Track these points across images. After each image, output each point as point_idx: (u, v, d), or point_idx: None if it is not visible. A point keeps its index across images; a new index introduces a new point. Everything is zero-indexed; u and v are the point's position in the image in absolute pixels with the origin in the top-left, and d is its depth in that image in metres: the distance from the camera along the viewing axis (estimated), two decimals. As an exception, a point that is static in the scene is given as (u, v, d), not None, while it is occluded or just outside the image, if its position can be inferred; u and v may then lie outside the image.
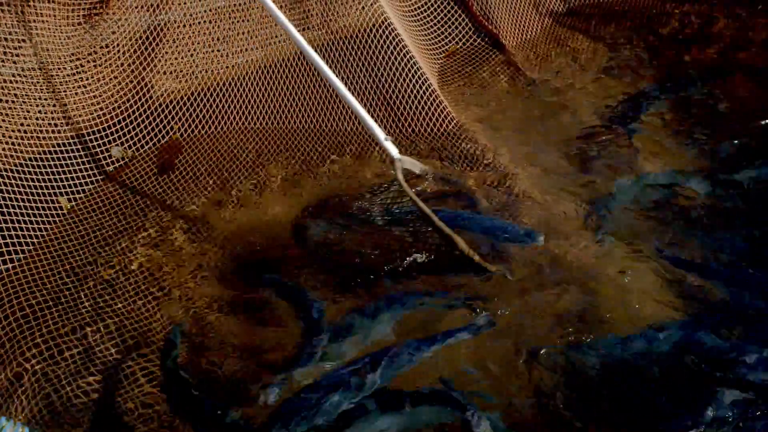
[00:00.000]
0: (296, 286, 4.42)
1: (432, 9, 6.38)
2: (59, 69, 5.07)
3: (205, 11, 5.51)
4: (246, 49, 5.62)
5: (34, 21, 4.98)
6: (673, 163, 5.05)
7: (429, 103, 5.49)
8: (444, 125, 5.45)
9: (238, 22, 5.60)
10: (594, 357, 3.87)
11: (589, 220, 4.64)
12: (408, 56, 5.55)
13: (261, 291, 4.38)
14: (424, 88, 5.51)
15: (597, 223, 4.61)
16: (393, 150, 4.80)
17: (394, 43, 5.54)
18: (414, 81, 5.51)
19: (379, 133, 4.80)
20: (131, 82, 5.30)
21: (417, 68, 5.54)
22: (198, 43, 5.49)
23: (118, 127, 5.24)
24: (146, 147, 5.30)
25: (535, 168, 5.13)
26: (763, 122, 5.32)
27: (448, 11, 6.45)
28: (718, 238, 4.43)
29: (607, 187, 4.89)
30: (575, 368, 3.84)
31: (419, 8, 6.31)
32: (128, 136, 5.25)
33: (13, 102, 4.84)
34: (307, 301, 4.32)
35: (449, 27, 6.40)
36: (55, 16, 5.06)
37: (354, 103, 4.77)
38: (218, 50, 5.55)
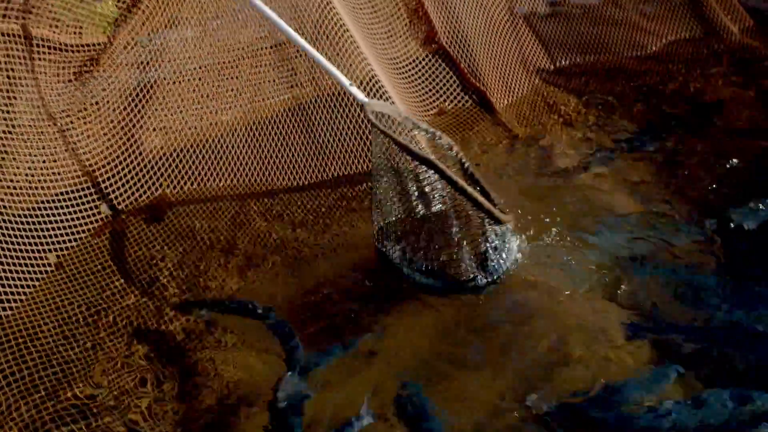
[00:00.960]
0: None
1: (420, 66, 6.46)
2: (50, 125, 5.12)
3: (194, 68, 5.58)
4: (233, 106, 5.68)
5: (26, 78, 5.05)
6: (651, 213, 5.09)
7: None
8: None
9: (226, 79, 5.67)
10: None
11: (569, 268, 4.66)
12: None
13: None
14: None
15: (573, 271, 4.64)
16: (359, 95, 4.80)
17: (381, 100, 5.58)
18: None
19: (343, 80, 4.82)
20: (121, 138, 5.34)
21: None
22: (187, 100, 5.55)
23: (107, 183, 5.27)
24: (135, 202, 5.34)
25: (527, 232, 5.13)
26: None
27: (436, 68, 6.51)
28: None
29: (587, 234, 4.92)
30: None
31: (407, 65, 6.38)
32: (117, 192, 5.29)
33: (2, 158, 4.89)
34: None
35: (437, 84, 6.46)
36: (45, 73, 5.13)
37: (314, 53, 4.81)
38: (207, 107, 5.61)
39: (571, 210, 5.19)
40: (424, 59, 6.49)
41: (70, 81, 5.21)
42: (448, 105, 6.42)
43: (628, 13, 7.22)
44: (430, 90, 6.41)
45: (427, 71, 6.46)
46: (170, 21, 5.44)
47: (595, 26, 7.13)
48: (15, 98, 4.98)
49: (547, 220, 5.08)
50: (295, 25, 5.56)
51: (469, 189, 4.36)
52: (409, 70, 6.38)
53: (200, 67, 5.59)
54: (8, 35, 4.93)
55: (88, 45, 5.22)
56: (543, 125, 6.21)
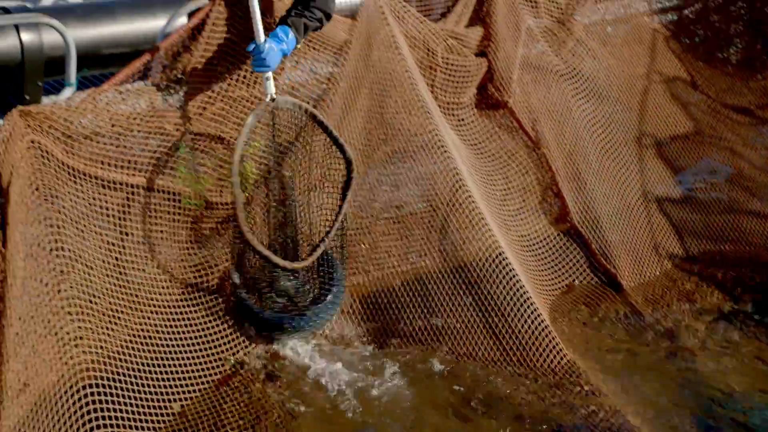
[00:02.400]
0: None
1: (550, 244, 6.47)
2: (188, 278, 5.28)
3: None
4: (363, 271, 5.76)
5: (164, 232, 5.24)
6: None
7: (540, 337, 5.46)
8: (554, 361, 5.40)
9: (355, 245, 5.77)
10: None
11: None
12: (521, 290, 5.57)
13: None
14: (536, 322, 5.49)
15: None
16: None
17: (507, 276, 5.59)
18: (526, 314, 5.51)
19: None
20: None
21: (530, 302, 5.55)
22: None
23: (228, 338, 5.36)
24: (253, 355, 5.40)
25: (647, 409, 5.03)
26: None
27: (567, 247, 6.52)
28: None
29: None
30: None
31: (537, 242, 6.40)
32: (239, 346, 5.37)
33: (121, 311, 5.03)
34: None
35: (567, 263, 6.45)
36: (180, 226, 5.31)
37: None
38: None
39: (691, 391, 5.08)
40: (555, 237, 6.51)
41: (206, 235, 5.39)
42: (577, 282, 6.39)
43: (764, 204, 7.17)
44: (559, 268, 6.40)
45: (557, 249, 6.47)
46: (308, 187, 5.60)
47: (728, 215, 7.08)
48: (155, 251, 5.16)
49: (667, 400, 4.97)
50: (427, 197, 5.69)
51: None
52: (540, 246, 6.39)
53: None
54: (151, 189, 5.15)
55: (227, 204, 5.40)
56: (670, 308, 6.14)
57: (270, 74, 5.05)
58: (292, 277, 5.06)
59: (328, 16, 5.26)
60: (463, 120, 6.41)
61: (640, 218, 6.90)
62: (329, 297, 5.15)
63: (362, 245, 5.73)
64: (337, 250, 5.27)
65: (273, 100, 5.06)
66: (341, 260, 5.29)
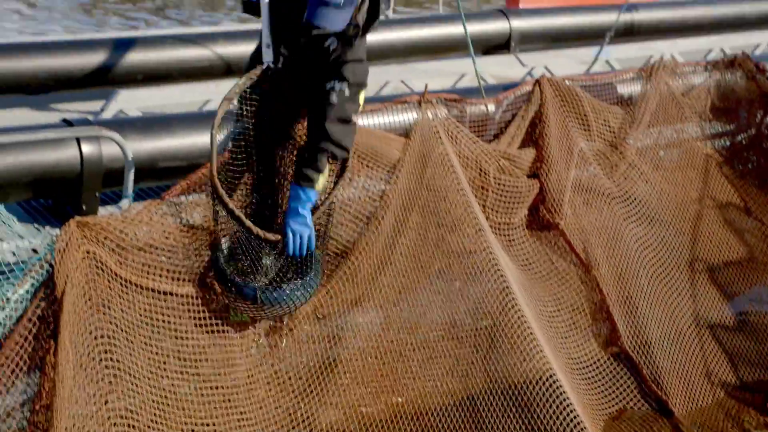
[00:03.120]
0: None
1: (601, 367, 6.40)
2: (227, 389, 5.27)
3: (376, 348, 5.68)
4: (408, 390, 5.72)
5: (212, 345, 5.24)
6: None
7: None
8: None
9: (404, 361, 5.74)
10: None
11: None
12: (572, 413, 5.50)
13: None
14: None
15: None
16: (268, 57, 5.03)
17: (559, 399, 5.52)
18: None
19: None
20: (299, 409, 5.41)
21: (581, 426, 5.47)
22: (366, 378, 5.62)
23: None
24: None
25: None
26: None
27: (617, 371, 6.44)
28: None
29: None
30: None
31: (587, 364, 6.34)
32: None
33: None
34: None
35: (617, 387, 6.37)
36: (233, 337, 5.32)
37: None
38: (383, 387, 5.66)
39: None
40: (605, 360, 6.45)
41: (255, 346, 5.39)
42: (627, 407, 6.31)
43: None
44: (610, 392, 6.33)
45: (607, 373, 6.40)
46: (355, 300, 5.62)
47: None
48: (202, 363, 5.16)
49: None
50: (478, 316, 5.68)
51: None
52: (589, 369, 6.33)
53: (382, 348, 5.68)
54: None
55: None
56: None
57: None
58: (268, 250, 5.08)
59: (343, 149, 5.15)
60: (513, 240, 6.41)
61: (692, 344, 6.83)
62: (303, 279, 5.14)
63: (412, 362, 5.70)
64: (318, 245, 5.24)
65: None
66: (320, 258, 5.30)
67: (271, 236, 5.02)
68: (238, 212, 4.90)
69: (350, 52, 5.01)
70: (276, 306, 5.10)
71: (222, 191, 4.88)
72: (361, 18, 4.99)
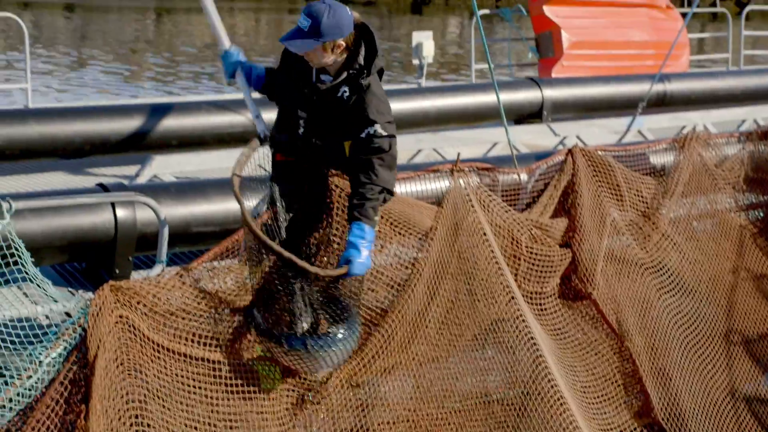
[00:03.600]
0: None
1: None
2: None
3: (407, 415, 5.64)
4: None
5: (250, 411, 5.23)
6: None
7: None
8: None
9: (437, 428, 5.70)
10: None
11: None
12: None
13: None
14: None
15: None
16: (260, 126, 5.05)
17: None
18: None
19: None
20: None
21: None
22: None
23: None
24: None
25: None
26: None
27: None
28: None
29: None
30: None
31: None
32: None
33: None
34: None
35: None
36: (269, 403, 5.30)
37: None
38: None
39: None
40: (637, 432, 6.39)
41: (284, 412, 5.36)
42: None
43: None
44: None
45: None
46: (388, 368, 5.59)
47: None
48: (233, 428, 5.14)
49: None
50: (511, 384, 5.64)
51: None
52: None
53: (414, 416, 5.64)
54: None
55: (313, 381, 5.39)
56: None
57: None
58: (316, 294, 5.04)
59: (390, 192, 5.29)
60: (545, 309, 6.38)
61: (727, 416, 6.74)
62: (340, 333, 5.07)
63: (444, 431, 5.65)
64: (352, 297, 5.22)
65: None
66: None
67: (338, 271, 5.03)
68: (288, 254, 4.87)
69: (367, 93, 5.21)
70: (326, 353, 5.05)
71: (265, 238, 4.90)
72: (362, 58, 5.21)
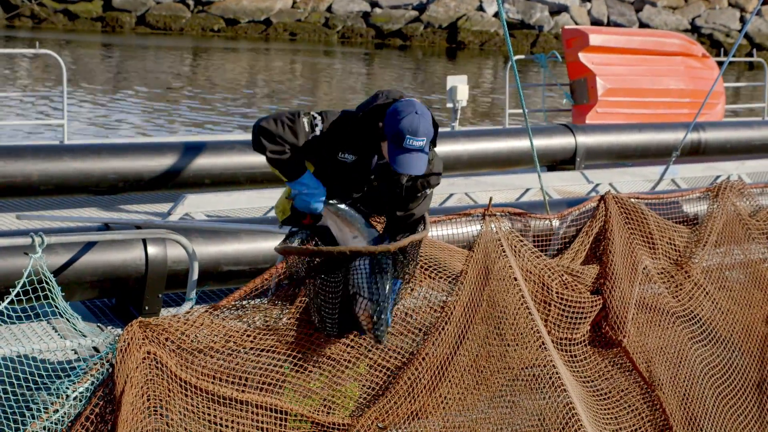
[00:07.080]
0: None
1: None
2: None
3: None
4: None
5: None
6: None
7: None
8: None
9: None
10: None
11: None
12: None
13: None
14: None
15: None
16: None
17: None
18: None
19: None
20: None
21: None
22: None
23: None
24: None
25: None
26: None
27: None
28: None
29: None
30: None
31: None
32: None
33: None
34: None
35: None
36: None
37: None
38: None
39: None
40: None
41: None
42: None
43: None
44: None
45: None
46: (415, 412, 5.56)
47: None
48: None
49: None
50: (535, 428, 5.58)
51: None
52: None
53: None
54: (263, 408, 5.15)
55: (334, 424, 5.37)
56: None
57: None
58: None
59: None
60: (575, 356, 6.33)
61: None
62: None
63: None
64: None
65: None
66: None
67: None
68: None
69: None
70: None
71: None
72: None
